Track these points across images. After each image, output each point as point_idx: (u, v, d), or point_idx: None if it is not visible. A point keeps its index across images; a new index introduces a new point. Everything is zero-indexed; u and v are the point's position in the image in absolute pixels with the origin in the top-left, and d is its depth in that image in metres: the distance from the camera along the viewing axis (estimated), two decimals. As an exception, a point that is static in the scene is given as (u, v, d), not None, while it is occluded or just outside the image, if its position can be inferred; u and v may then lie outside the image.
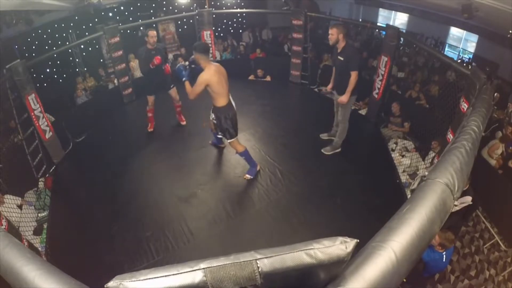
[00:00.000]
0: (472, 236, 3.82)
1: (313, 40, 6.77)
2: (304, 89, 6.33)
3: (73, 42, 6.61)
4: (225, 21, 9.80)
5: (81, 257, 2.92)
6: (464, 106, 3.18)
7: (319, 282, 0.95)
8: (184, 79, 3.28)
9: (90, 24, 7.09)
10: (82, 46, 7.33)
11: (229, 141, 3.57)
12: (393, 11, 10.33)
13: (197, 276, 0.82)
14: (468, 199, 3.10)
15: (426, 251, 2.51)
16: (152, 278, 0.81)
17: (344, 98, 3.75)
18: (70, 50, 6.96)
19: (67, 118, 4.95)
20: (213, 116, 3.47)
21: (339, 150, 4.16)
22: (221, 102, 3.29)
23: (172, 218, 3.32)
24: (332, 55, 4.08)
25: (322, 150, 4.19)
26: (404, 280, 2.27)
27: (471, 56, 8.65)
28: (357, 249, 0.96)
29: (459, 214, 3.22)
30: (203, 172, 3.91)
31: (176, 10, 8.62)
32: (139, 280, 0.81)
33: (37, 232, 3.46)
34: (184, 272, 0.82)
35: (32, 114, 4.00)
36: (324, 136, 4.50)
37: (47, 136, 4.23)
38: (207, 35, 6.24)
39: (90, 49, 7.62)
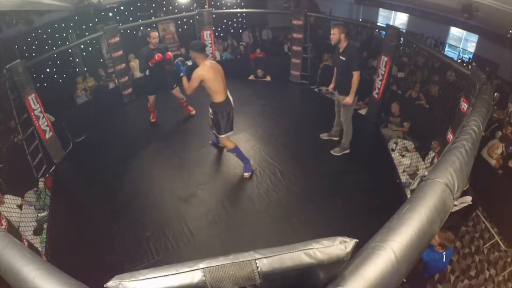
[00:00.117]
0: (472, 236, 3.82)
1: (313, 40, 6.77)
2: (304, 89, 6.33)
3: (73, 42, 6.61)
4: (225, 21, 9.80)
5: (81, 257, 2.92)
6: (464, 106, 3.18)
7: (319, 282, 0.95)
8: (182, 74, 3.39)
9: (90, 24, 7.09)
10: (82, 46, 7.33)
11: (220, 136, 3.60)
12: (393, 11, 10.33)
13: (196, 276, 0.82)
14: (468, 199, 3.10)
15: (426, 251, 2.51)
16: (151, 278, 0.82)
17: (349, 100, 3.75)
18: (70, 50, 6.96)
19: (67, 118, 4.95)
20: (210, 111, 3.51)
21: (348, 151, 4.15)
22: (217, 98, 3.35)
23: (172, 218, 3.32)
24: (334, 55, 4.08)
25: (331, 151, 4.18)
26: (404, 280, 2.27)
27: (471, 56, 8.65)
28: (357, 249, 0.96)
29: (459, 214, 3.22)
30: (203, 172, 3.91)
31: (176, 10, 8.62)
32: (139, 280, 0.82)
33: (37, 232, 3.46)
34: (183, 272, 0.83)
35: (32, 114, 4.00)
36: (324, 136, 4.50)
37: (47, 136, 4.24)
38: (207, 35, 6.24)
39: (90, 49, 7.63)
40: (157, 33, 4.41)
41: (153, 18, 8.01)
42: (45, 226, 3.52)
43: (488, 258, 3.58)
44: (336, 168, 3.97)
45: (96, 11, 6.41)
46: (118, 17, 7.67)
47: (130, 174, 4.00)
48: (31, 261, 1.14)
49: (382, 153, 4.46)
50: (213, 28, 6.35)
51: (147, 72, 4.59)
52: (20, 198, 3.72)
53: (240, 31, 9.78)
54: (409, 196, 2.36)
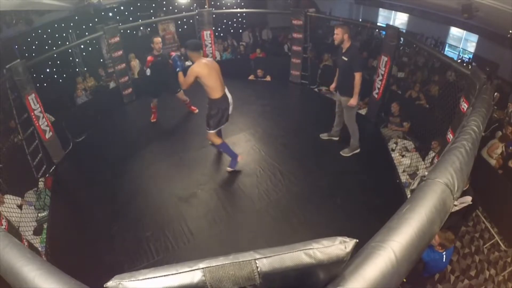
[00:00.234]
0: (472, 236, 3.82)
1: (313, 40, 6.77)
2: (304, 89, 6.33)
3: (73, 42, 6.61)
4: (225, 21, 9.80)
5: (81, 257, 2.92)
6: (464, 106, 3.18)
7: (319, 282, 0.95)
8: (178, 69, 3.51)
9: (90, 24, 7.09)
10: (82, 46, 7.34)
11: (208, 131, 3.62)
12: (393, 11, 10.33)
13: (196, 276, 0.82)
14: (468, 199, 3.10)
15: (426, 251, 2.51)
16: (151, 277, 0.82)
17: (353, 101, 3.74)
18: (70, 50, 6.97)
19: (67, 118, 4.95)
20: (207, 106, 3.57)
21: (358, 150, 4.15)
22: (214, 94, 3.41)
23: (172, 218, 3.32)
24: (336, 55, 4.08)
25: (341, 152, 4.17)
26: (404, 280, 2.27)
27: (471, 56, 8.65)
28: (357, 249, 0.96)
29: (459, 214, 3.22)
30: (203, 172, 3.91)
31: (176, 10, 8.63)
32: (138, 279, 0.82)
33: (37, 232, 3.46)
34: (183, 272, 0.83)
35: (32, 114, 4.00)
36: (324, 136, 4.50)
37: (47, 136, 4.24)
38: (207, 35, 6.24)
39: (90, 49, 7.63)
40: (159, 39, 4.54)
41: (153, 18, 8.01)
42: (45, 226, 3.52)
43: (488, 258, 3.58)
44: (336, 168, 3.97)
45: (96, 11, 6.42)
46: (118, 17, 7.67)
47: (130, 174, 4.00)
48: (31, 261, 1.14)
49: (382, 153, 4.46)
50: (213, 28, 6.35)
51: (148, 72, 4.64)
52: (20, 198, 3.72)
53: (240, 31, 9.78)
54: (409, 196, 2.36)
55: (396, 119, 5.10)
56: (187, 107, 5.17)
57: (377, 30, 10.06)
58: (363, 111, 5.47)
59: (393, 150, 4.61)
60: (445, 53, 8.59)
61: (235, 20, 10.01)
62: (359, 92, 3.70)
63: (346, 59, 3.69)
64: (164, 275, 0.82)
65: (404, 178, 4.10)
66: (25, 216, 3.56)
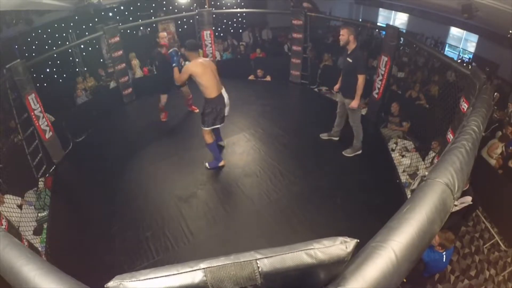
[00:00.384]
0: (472, 236, 3.82)
1: (313, 40, 6.77)
2: (304, 89, 6.33)
3: (73, 42, 6.61)
4: (225, 21, 9.80)
5: (81, 257, 2.92)
6: (464, 106, 3.18)
7: (319, 282, 0.95)
8: (174, 65, 3.67)
9: (90, 24, 7.09)
10: (82, 46, 7.34)
11: (203, 128, 3.65)
12: (393, 11, 10.34)
13: (197, 276, 0.82)
14: (468, 199, 3.11)
15: (426, 251, 2.51)
16: (152, 278, 0.82)
17: (354, 104, 3.73)
18: (70, 50, 6.97)
19: (67, 118, 4.94)
20: (203, 104, 3.62)
21: (360, 151, 4.15)
22: (208, 94, 3.45)
23: (172, 218, 3.32)
24: (336, 55, 4.08)
25: (343, 152, 4.16)
26: (404, 280, 2.27)
27: (471, 56, 8.66)
28: (357, 249, 0.96)
29: (459, 214, 3.22)
30: (203, 172, 3.91)
31: (176, 10, 8.62)
32: (139, 280, 0.82)
33: (37, 232, 3.46)
34: (184, 272, 0.83)
35: (32, 114, 4.00)
36: (324, 136, 4.49)
37: (47, 136, 4.23)
38: (207, 35, 6.24)
39: (90, 49, 7.63)
40: (165, 33, 4.66)
41: (153, 18, 8.01)
42: (45, 226, 3.52)
43: (488, 258, 3.58)
44: (336, 168, 3.97)
45: (96, 11, 6.42)
46: (118, 17, 7.67)
47: (130, 174, 4.00)
48: (31, 261, 1.14)
49: (382, 153, 4.46)
50: (213, 28, 6.35)
51: (155, 70, 4.68)
52: (20, 198, 3.72)
53: (240, 31, 9.78)
54: (409, 196, 2.36)
55: (396, 119, 5.11)
56: (189, 105, 5.19)
57: (377, 30, 10.07)
58: (363, 111, 5.45)
59: (393, 150, 4.61)
60: (445, 53, 8.59)
61: (235, 20, 10.01)
62: (361, 94, 3.68)
63: (350, 60, 3.66)
64: (165, 275, 0.82)
65: (404, 178, 4.10)
66: (25, 216, 3.55)
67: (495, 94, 2.63)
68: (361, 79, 3.61)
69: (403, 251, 1.03)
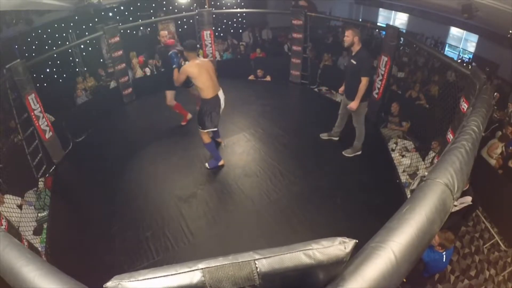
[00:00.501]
0: (472, 236, 3.82)
1: (313, 40, 6.77)
2: (304, 89, 6.33)
3: (73, 42, 6.61)
4: (225, 21, 9.80)
5: (81, 257, 2.93)
6: (464, 106, 3.18)
7: (318, 283, 0.95)
8: (174, 66, 3.77)
9: (90, 24, 7.09)
10: (82, 46, 7.34)
11: (200, 130, 3.68)
12: (393, 11, 10.33)
13: (195, 276, 0.82)
14: (468, 199, 3.10)
15: (426, 251, 2.51)
16: (150, 278, 0.82)
17: (353, 105, 3.71)
18: (70, 50, 6.97)
19: (67, 118, 4.94)
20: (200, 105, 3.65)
21: (359, 152, 4.15)
22: (205, 94, 3.47)
23: (172, 218, 3.32)
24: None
25: (343, 152, 4.16)
26: (404, 280, 2.27)
27: (471, 56, 8.66)
28: (356, 249, 0.96)
29: (459, 214, 3.22)
30: (203, 172, 3.91)
31: (176, 10, 8.63)
32: (138, 280, 0.82)
33: (37, 232, 3.46)
34: (182, 272, 0.83)
35: (32, 114, 4.00)
36: (324, 136, 4.49)
37: (47, 136, 4.24)
38: (207, 35, 6.24)
39: (90, 49, 7.63)
40: (165, 32, 4.66)
41: (153, 18, 8.01)
42: (45, 226, 3.52)
43: (488, 258, 3.58)
44: (336, 168, 3.97)
45: (96, 11, 6.43)
46: (118, 17, 7.68)
47: (130, 174, 4.00)
48: (31, 261, 1.14)
49: (382, 153, 4.46)
50: (213, 28, 6.35)
51: (162, 69, 4.68)
52: (20, 198, 3.72)
53: (240, 31, 9.78)
54: (409, 196, 2.36)
55: (396, 119, 5.10)
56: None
57: (377, 30, 10.06)
58: (363, 112, 5.47)
59: (393, 150, 4.61)
60: (445, 53, 8.59)
61: (235, 20, 10.01)
62: (361, 97, 3.65)
63: (355, 62, 3.64)
64: (164, 276, 0.82)
65: (404, 178, 4.10)
66: (25, 216, 3.55)
67: (495, 94, 2.64)
68: (364, 81, 3.58)
69: (402, 252, 1.03)
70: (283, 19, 8.38)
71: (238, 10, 9.18)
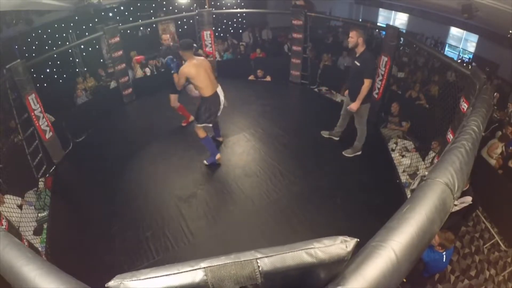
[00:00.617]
0: (472, 236, 3.82)
1: (313, 40, 6.77)
2: (304, 89, 6.33)
3: (73, 42, 6.61)
4: (225, 21, 9.80)
5: (81, 257, 2.92)
6: (464, 106, 3.18)
7: (320, 281, 0.95)
8: (173, 71, 3.77)
9: (90, 24, 7.10)
10: (82, 46, 7.34)
11: (196, 124, 3.71)
12: (393, 11, 10.34)
13: (197, 275, 0.82)
14: (468, 199, 3.11)
15: (426, 251, 2.51)
16: (152, 277, 0.82)
17: (354, 106, 3.70)
18: (70, 50, 6.97)
19: (67, 118, 4.94)
20: (199, 101, 3.68)
21: (360, 152, 4.15)
22: (204, 92, 3.51)
23: (172, 218, 3.32)
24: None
25: (343, 153, 4.16)
26: (404, 280, 2.27)
27: (471, 56, 8.66)
28: (357, 249, 0.96)
29: (459, 214, 3.22)
30: (203, 172, 3.91)
31: (176, 10, 8.63)
32: (140, 279, 0.82)
33: (37, 232, 3.46)
34: (184, 271, 0.83)
35: (32, 114, 4.00)
36: (325, 133, 4.49)
37: (47, 136, 4.23)
38: (207, 35, 6.24)
39: (90, 49, 7.63)
40: (167, 35, 4.73)
41: (153, 18, 8.01)
42: (45, 226, 3.52)
43: (488, 258, 3.58)
44: (336, 168, 3.97)
45: (96, 11, 6.43)
46: (118, 17, 7.68)
47: (130, 174, 4.00)
48: (32, 261, 1.14)
49: (382, 153, 4.46)
50: (213, 28, 6.35)
51: (162, 69, 4.68)
52: (20, 198, 3.72)
53: (240, 31, 9.78)
54: (409, 196, 2.36)
55: (396, 119, 5.11)
56: (183, 112, 5.00)
57: (377, 30, 10.06)
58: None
59: (393, 150, 4.61)
60: (445, 53, 8.60)
61: (235, 20, 10.01)
62: (362, 98, 3.64)
63: (358, 64, 3.62)
64: (166, 275, 0.82)
65: (404, 178, 4.10)
66: (25, 216, 3.55)
67: (495, 94, 2.64)
68: (366, 83, 3.56)
69: (403, 251, 1.03)
70: (283, 19, 8.38)
71: (238, 10, 9.18)
